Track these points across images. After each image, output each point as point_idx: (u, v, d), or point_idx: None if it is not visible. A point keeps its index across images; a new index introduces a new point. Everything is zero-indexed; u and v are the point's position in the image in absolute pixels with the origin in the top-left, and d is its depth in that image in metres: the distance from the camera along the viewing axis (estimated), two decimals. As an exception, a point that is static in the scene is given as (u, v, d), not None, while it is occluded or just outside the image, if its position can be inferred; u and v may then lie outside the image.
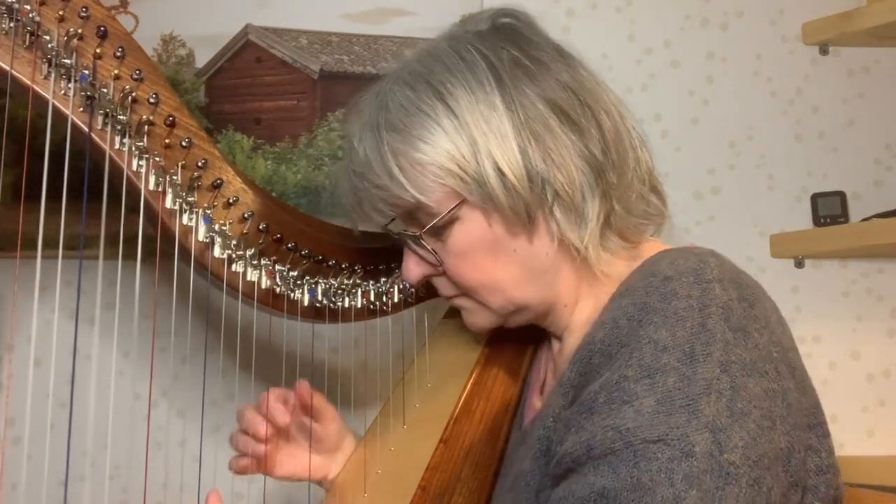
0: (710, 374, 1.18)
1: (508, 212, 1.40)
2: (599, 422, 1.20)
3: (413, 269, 1.54)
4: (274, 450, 1.72)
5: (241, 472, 1.73)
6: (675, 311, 1.23)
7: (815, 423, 1.31)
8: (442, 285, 1.55)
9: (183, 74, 2.48)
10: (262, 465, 1.72)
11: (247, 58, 2.52)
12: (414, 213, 1.46)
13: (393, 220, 1.50)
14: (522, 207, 1.40)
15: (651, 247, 1.49)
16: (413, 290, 1.73)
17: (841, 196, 2.64)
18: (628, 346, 1.25)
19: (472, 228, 1.44)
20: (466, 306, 1.55)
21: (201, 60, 2.49)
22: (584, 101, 1.44)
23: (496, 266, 1.46)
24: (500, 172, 1.38)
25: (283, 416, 1.65)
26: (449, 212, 1.42)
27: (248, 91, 2.51)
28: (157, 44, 2.47)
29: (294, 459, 1.76)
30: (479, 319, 1.56)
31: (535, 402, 1.62)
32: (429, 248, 1.49)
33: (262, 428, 1.67)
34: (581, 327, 1.47)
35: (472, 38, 1.48)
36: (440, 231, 1.46)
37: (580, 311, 1.50)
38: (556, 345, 1.59)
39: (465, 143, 1.39)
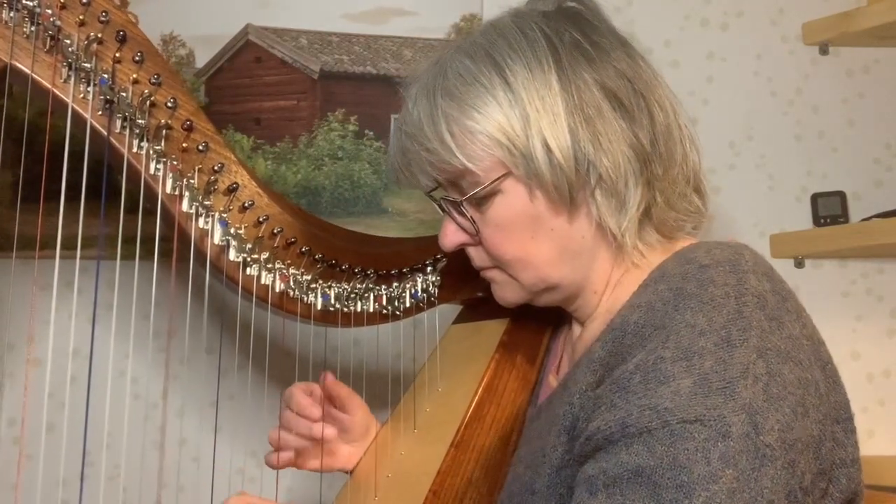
0: (746, 359, 1.20)
1: (551, 189, 1.41)
2: (635, 401, 1.22)
3: (450, 235, 1.55)
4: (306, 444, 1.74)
5: (273, 467, 1.73)
6: (713, 298, 1.25)
7: (843, 417, 1.33)
8: (476, 255, 1.56)
9: (183, 74, 2.47)
10: (293, 459, 1.74)
11: (247, 58, 2.52)
12: (458, 181, 1.48)
13: (438, 185, 1.53)
14: (566, 186, 1.41)
15: (685, 244, 1.49)
16: (425, 295, 1.73)
17: (841, 196, 2.64)
18: (664, 328, 1.26)
19: (513, 202, 1.45)
20: (498, 279, 1.56)
21: (201, 60, 2.49)
22: (639, 90, 1.45)
23: (532, 242, 1.47)
24: (548, 149, 1.39)
25: (315, 410, 1.69)
26: (493, 182, 1.44)
27: (248, 91, 2.51)
28: (157, 44, 2.45)
29: (325, 451, 1.76)
30: (509, 294, 1.57)
31: (552, 381, 1.63)
32: (468, 215, 1.50)
33: (304, 427, 1.70)
34: (605, 314, 1.48)
35: (537, 16, 1.50)
36: (482, 201, 1.47)
37: (608, 298, 1.51)
38: (576, 329, 1.60)
39: (518, 117, 1.41)
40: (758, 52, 2.73)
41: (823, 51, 2.74)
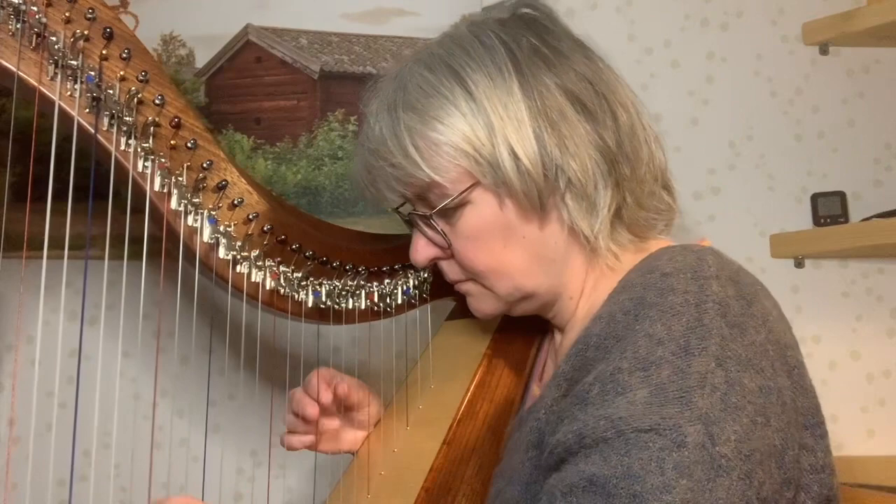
0: (704, 368, 1.19)
1: (521, 196, 1.41)
2: (592, 412, 1.21)
3: (421, 250, 1.55)
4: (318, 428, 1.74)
5: (293, 448, 1.76)
6: (672, 306, 1.25)
7: (812, 422, 1.32)
8: (449, 269, 1.56)
9: (183, 74, 2.48)
10: (312, 442, 1.75)
11: (247, 58, 2.52)
12: (426, 194, 1.48)
13: (405, 200, 1.52)
14: (535, 193, 1.41)
15: (656, 243, 1.50)
16: (416, 292, 1.73)
17: (841, 196, 2.64)
18: (624, 339, 1.26)
19: (483, 212, 1.45)
20: (473, 292, 1.56)
21: (201, 60, 2.50)
22: (601, 92, 1.45)
23: (505, 251, 1.47)
24: (515, 156, 1.39)
25: (326, 394, 1.68)
26: (461, 193, 1.44)
27: (248, 91, 2.51)
28: (157, 44, 2.47)
29: (336, 436, 1.79)
30: (485, 306, 1.56)
31: (535, 390, 1.63)
32: (438, 228, 1.49)
33: (313, 410, 1.69)
34: (582, 320, 1.47)
35: (494, 24, 1.50)
36: (451, 213, 1.47)
37: (584, 304, 1.51)
38: (558, 337, 1.60)
39: (482, 125, 1.41)
40: (758, 52, 2.73)
41: (823, 51, 2.73)
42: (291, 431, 1.75)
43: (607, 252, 1.46)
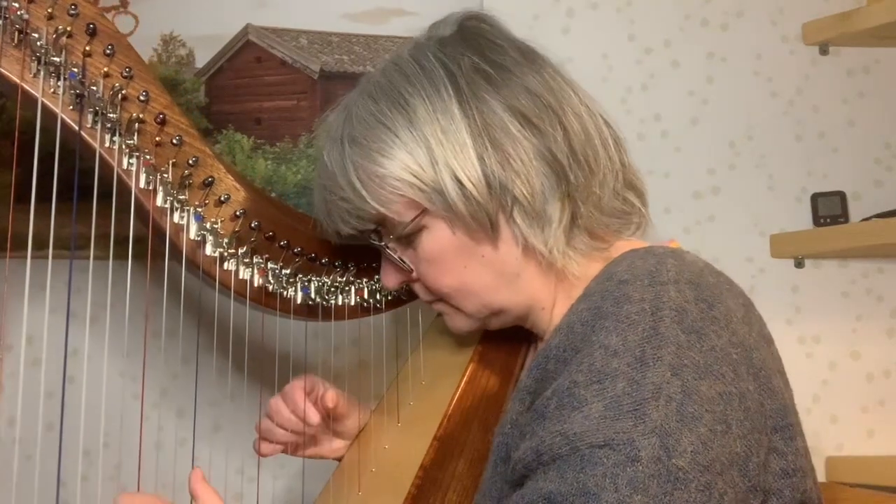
0: (659, 379, 1.18)
1: (469, 220, 1.41)
2: (549, 427, 1.20)
3: (389, 276, 1.57)
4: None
5: (264, 455, 1.77)
6: (628, 316, 1.24)
7: (781, 425, 1.30)
8: (419, 291, 1.58)
9: (183, 74, 2.48)
10: (289, 448, 1.76)
11: (247, 58, 2.52)
12: (382, 223, 1.49)
13: (364, 230, 1.52)
14: (483, 215, 1.41)
15: (623, 246, 1.48)
16: (406, 287, 1.74)
17: (841, 196, 2.63)
18: (581, 351, 1.25)
19: (438, 236, 1.46)
20: (445, 311, 1.57)
21: (201, 60, 2.50)
22: (548, 103, 1.44)
23: (467, 271, 1.47)
24: (459, 182, 1.39)
25: (315, 417, 1.68)
26: (412, 221, 1.45)
27: (248, 91, 2.52)
28: (157, 44, 2.47)
29: (318, 444, 1.80)
30: (459, 323, 1.57)
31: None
32: (397, 256, 1.51)
33: (295, 425, 1.70)
34: None
35: (434, 45, 1.50)
36: (410, 239, 1.48)
37: (557, 313, 1.50)
38: (540, 346, 1.58)
39: (423, 153, 1.41)
40: (758, 52, 2.72)
41: (823, 51, 2.73)
42: (265, 438, 1.76)
43: (568, 262, 1.45)
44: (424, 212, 1.44)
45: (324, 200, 1.53)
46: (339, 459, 1.80)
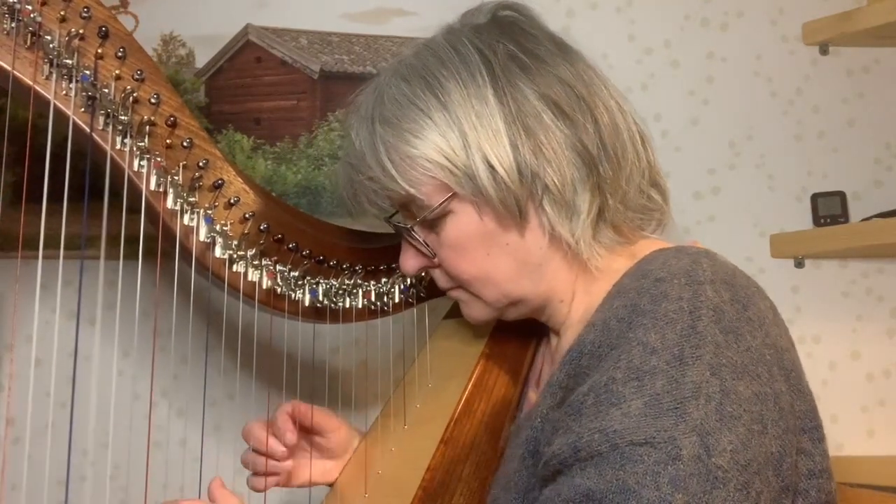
0: (699, 378, 1.18)
1: (499, 205, 1.41)
2: (586, 424, 1.20)
3: (409, 260, 1.55)
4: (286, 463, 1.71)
5: (260, 490, 1.71)
6: (665, 314, 1.24)
7: (810, 426, 1.32)
8: (438, 277, 1.56)
9: (183, 74, 2.48)
10: (279, 480, 1.71)
11: (247, 58, 2.52)
12: (408, 206, 1.48)
13: (388, 212, 1.52)
14: (513, 201, 1.40)
15: (648, 244, 1.48)
16: (413, 290, 1.73)
17: (841, 196, 2.64)
18: (617, 348, 1.25)
19: (464, 221, 1.45)
20: (463, 298, 1.56)
21: (201, 60, 2.50)
22: (581, 95, 1.44)
23: (488, 259, 1.47)
24: (490, 167, 1.39)
25: (291, 436, 1.64)
26: (440, 205, 1.44)
27: (248, 91, 2.51)
28: (157, 44, 2.47)
29: (306, 469, 1.75)
30: (476, 312, 1.56)
31: (532, 396, 1.63)
32: (421, 239, 1.50)
33: (278, 450, 1.66)
34: (577, 324, 1.47)
35: (469, 31, 1.49)
36: (434, 223, 1.47)
37: (577, 307, 1.50)
38: (553, 340, 1.59)
39: (456, 136, 1.40)
40: (758, 52, 2.73)
41: (823, 51, 2.73)
42: (256, 472, 1.71)
43: (592, 254, 1.45)
44: (453, 195, 1.43)
45: (350, 180, 1.53)
46: (332, 485, 1.76)
